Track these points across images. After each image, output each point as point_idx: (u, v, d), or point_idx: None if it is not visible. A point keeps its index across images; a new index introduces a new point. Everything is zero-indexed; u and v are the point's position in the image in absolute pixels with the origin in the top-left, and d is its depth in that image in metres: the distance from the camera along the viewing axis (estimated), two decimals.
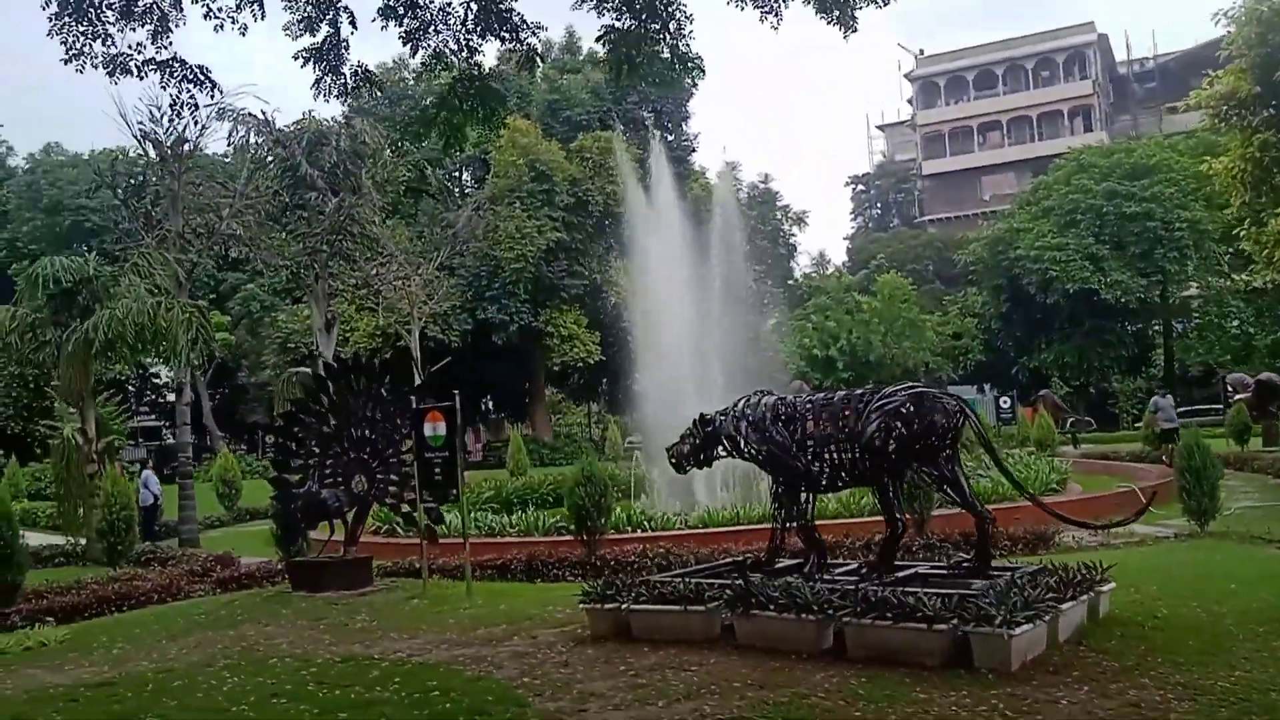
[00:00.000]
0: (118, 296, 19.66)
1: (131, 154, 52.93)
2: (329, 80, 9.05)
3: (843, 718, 5.63)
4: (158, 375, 59.58)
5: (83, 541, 19.84)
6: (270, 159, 25.61)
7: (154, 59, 7.73)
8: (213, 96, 8.42)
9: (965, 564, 7.71)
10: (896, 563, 8.13)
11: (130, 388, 52.12)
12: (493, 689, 6.79)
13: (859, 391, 7.80)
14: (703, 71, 10.66)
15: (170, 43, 7.72)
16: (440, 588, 12.36)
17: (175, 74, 7.80)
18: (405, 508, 13.29)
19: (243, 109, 24.81)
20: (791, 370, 48.58)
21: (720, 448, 8.34)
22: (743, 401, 8.22)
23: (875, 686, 6.09)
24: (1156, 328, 51.60)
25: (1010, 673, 6.17)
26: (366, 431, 13.43)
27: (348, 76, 9.10)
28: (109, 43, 7.49)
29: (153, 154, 22.01)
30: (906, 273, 55.13)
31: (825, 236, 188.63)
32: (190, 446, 22.43)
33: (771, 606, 7.06)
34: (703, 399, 24.78)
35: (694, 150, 49.54)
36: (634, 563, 13.56)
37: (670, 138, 49.33)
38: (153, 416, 59.08)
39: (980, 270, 52.38)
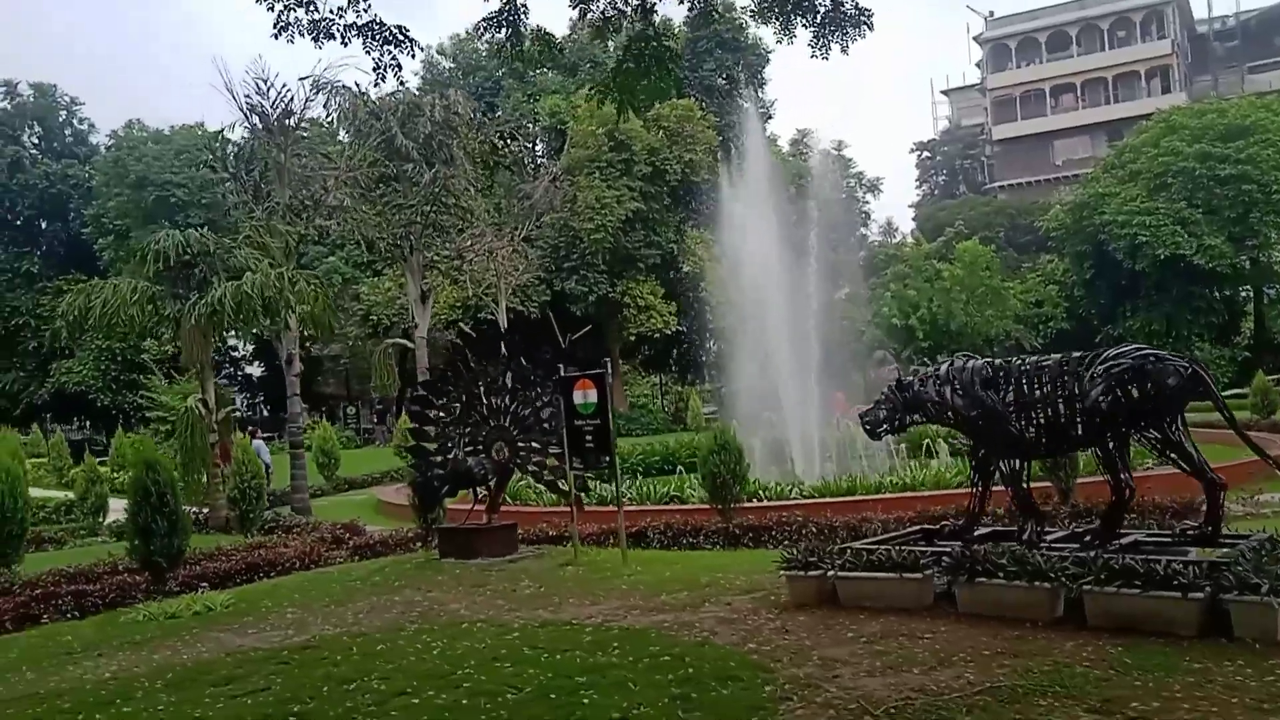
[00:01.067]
0: (234, 268, 19.92)
1: (211, 129, 53.78)
2: (509, 46, 8.95)
3: (1123, 688, 5.48)
4: (235, 348, 60.71)
5: (204, 510, 20.27)
6: (367, 131, 25.65)
7: (355, 23, 7.69)
8: (413, 56, 8.37)
9: (1191, 531, 7.49)
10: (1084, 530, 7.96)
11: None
12: (725, 654, 6.73)
13: (1076, 355, 7.58)
14: (870, 26, 10.28)
15: (369, 6, 7.69)
16: (590, 554, 12.38)
17: (376, 37, 7.76)
18: (548, 475, 13.31)
19: (338, 81, 24.86)
20: (868, 340, 48.12)
21: (918, 413, 8.18)
22: (946, 365, 8.04)
23: (1140, 656, 5.92)
24: (1245, 294, 50.20)
25: (1276, 642, 5.98)
26: (506, 400, 13.47)
27: (528, 40, 8.99)
28: (312, 9, 7.47)
29: (259, 126, 22.17)
30: (978, 240, 54.08)
31: (889, 204, 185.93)
32: (300, 417, 22.72)
33: (1000, 574, 6.91)
34: (791, 369, 24.73)
35: (770, 117, 48.94)
36: (773, 530, 13.51)
37: (746, 105, 48.77)
38: (234, 389, 60.22)
39: (1063, 236, 51.20)
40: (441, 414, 13.99)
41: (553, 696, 6.14)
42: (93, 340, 53.87)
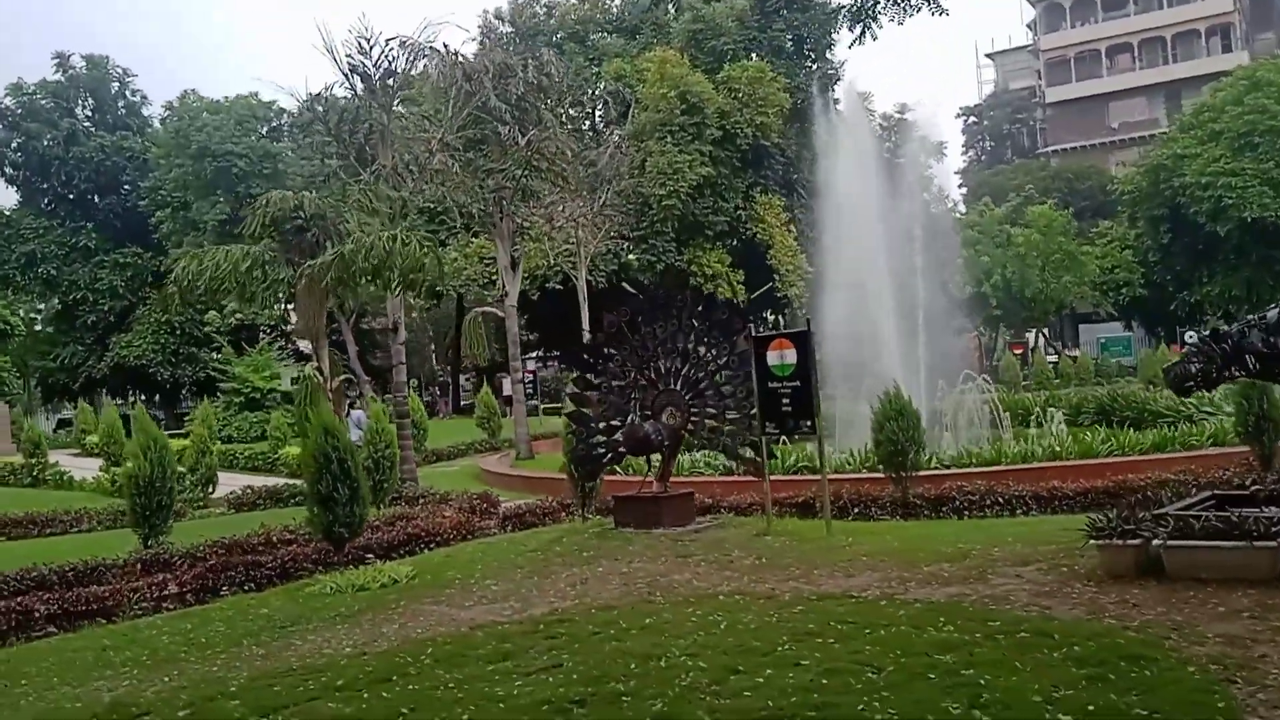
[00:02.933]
0: (344, 233, 19.35)
1: (266, 98, 53.25)
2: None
3: None
4: (288, 321, 60.37)
5: None
6: (459, 93, 24.92)
7: None
8: None
9: None
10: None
11: (263, 333, 52.85)
12: (1089, 630, 6.07)
13: None
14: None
15: None
16: (782, 524, 11.77)
17: None
18: (726, 440, 12.69)
19: (428, 43, 24.13)
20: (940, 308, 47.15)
21: (1238, 367, 7.46)
22: (1275, 310, 7.32)
23: None
24: None
25: None
26: (678, 363, 12.84)
27: None
28: None
29: (360, 88, 21.49)
30: (1052, 204, 52.85)
31: (935, 171, 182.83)
32: (404, 386, 22.21)
33: None
34: (896, 337, 23.98)
35: (839, 79, 47.79)
36: (956, 499, 12.87)
37: (814, 66, 47.66)
38: (286, 362, 59.96)
39: (1136, 199, 49.95)
40: (604, 379, 13.39)
41: (932, 676, 5.51)
42: (150, 313, 53.87)
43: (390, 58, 21.47)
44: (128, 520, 13.96)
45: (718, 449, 12.98)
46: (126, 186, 56.14)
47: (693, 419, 12.77)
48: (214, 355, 52.80)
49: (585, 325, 34.79)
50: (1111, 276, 50.01)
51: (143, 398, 60.41)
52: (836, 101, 48.61)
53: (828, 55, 47.79)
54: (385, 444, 16.77)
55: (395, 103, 21.81)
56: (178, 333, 53.01)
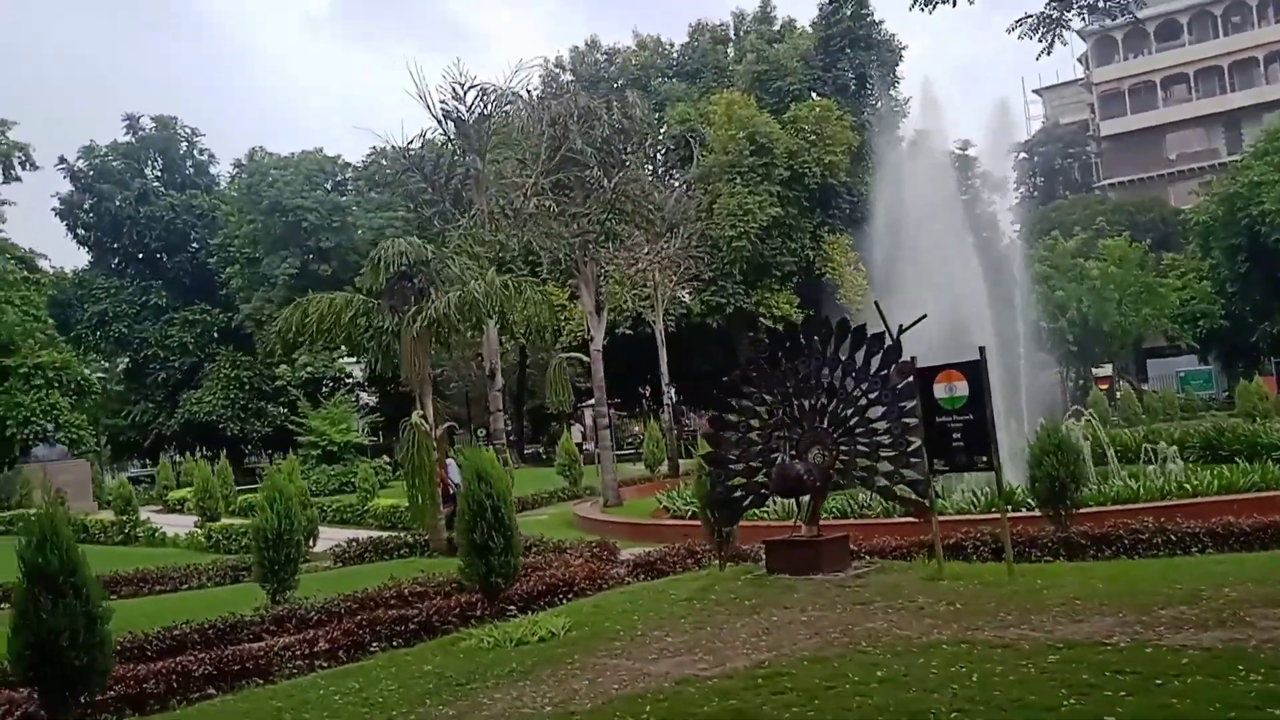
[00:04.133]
0: (447, 279, 19.14)
1: (330, 153, 53.96)
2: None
3: None
4: (350, 374, 60.60)
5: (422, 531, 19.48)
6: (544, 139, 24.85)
7: None
8: None
9: None
10: None
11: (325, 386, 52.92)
12: None
13: None
14: None
15: None
16: (953, 567, 11.13)
17: None
18: (880, 481, 12.09)
19: (516, 89, 24.13)
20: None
21: None
22: None
23: None
24: None
25: None
26: (823, 399, 12.31)
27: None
28: None
29: (454, 133, 21.47)
30: (1128, 238, 51.82)
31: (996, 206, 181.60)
32: (502, 433, 21.85)
33: None
34: (996, 374, 23.26)
35: (905, 115, 47.46)
36: (1124, 539, 12.15)
37: (879, 104, 47.36)
38: (354, 411, 60.05)
39: (1210, 229, 48.81)
40: (742, 418, 12.89)
41: None
42: (219, 369, 54.34)
43: (484, 103, 21.43)
44: (254, 575, 13.63)
45: (871, 489, 12.36)
46: (195, 244, 56.98)
47: (842, 458, 12.21)
48: (281, 409, 53.18)
49: (664, 369, 34.46)
50: (1189, 308, 48.78)
51: (208, 453, 60.87)
52: (903, 139, 48.38)
53: (892, 93, 47.52)
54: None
55: (489, 147, 21.66)
56: (246, 388, 53.40)
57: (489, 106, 21.52)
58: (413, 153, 23.34)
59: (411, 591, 13.05)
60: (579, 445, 35.21)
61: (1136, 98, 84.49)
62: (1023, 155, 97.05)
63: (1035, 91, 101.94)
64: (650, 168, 36.04)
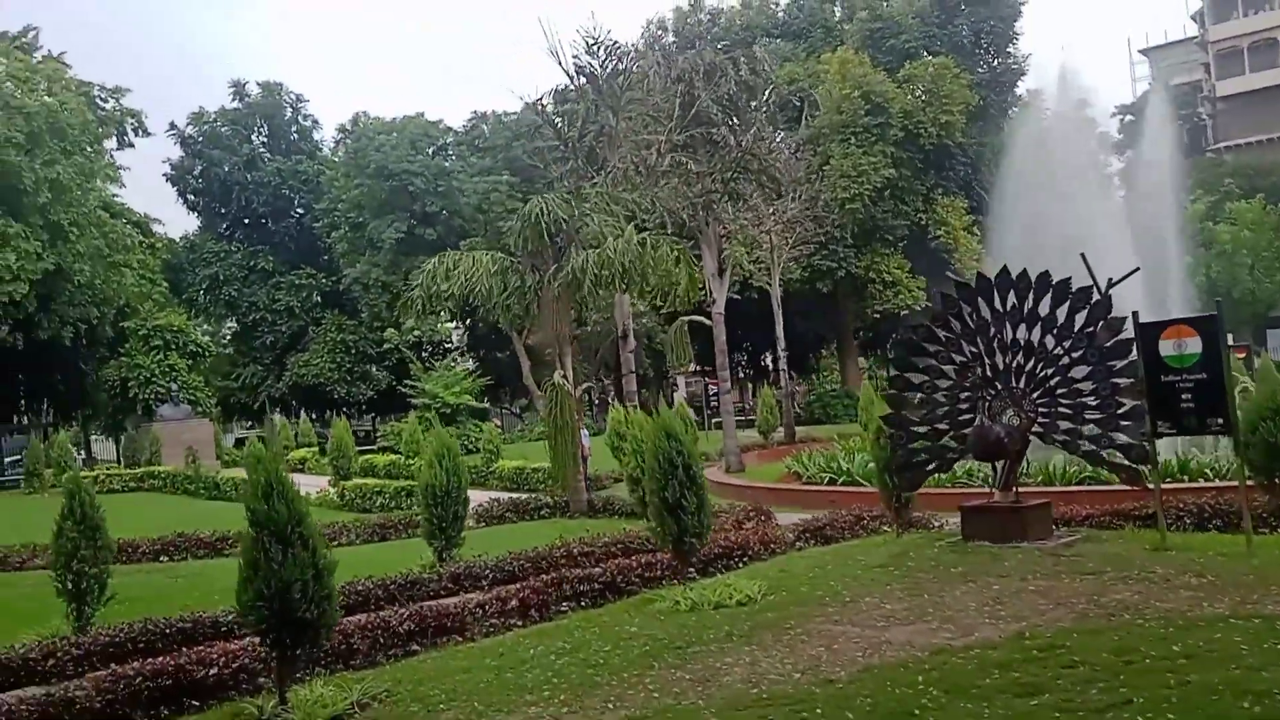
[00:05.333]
0: (584, 237, 18.77)
1: (432, 118, 54.07)
2: None
3: None
4: (449, 339, 61.05)
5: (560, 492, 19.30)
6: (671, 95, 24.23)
7: None
8: None
9: None
10: None
11: (425, 350, 53.16)
12: None
13: None
14: None
15: None
16: (1178, 539, 10.44)
17: None
18: (1085, 445, 11.39)
19: (630, 44, 23.52)
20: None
21: None
22: None
23: None
24: None
25: None
26: (1020, 358, 11.62)
27: None
28: None
29: (587, 89, 21.02)
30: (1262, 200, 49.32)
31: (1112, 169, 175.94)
32: (634, 395, 21.51)
33: None
34: None
35: (1023, 74, 45.70)
36: None
37: (995, 62, 45.65)
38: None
39: None
40: (927, 379, 12.27)
41: None
42: (325, 333, 55.17)
43: (617, 58, 20.92)
44: (422, 531, 13.48)
45: (1074, 453, 11.65)
46: (300, 209, 57.79)
47: (1041, 420, 11.53)
48: (385, 373, 53.83)
49: (779, 334, 33.81)
50: None
51: (313, 415, 62.07)
52: (1020, 98, 46.63)
53: (1009, 50, 45.71)
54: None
55: (622, 104, 21.17)
56: (352, 351, 54.14)
57: (622, 62, 20.99)
58: (544, 108, 22.96)
59: (580, 551, 12.84)
60: None
61: (1256, 55, 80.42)
62: (1129, 117, 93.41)
63: (1141, 52, 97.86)
64: (772, 127, 35.06)
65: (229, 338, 61.64)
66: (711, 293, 26.95)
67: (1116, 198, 31.32)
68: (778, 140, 27.37)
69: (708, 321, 26.90)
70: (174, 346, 43.92)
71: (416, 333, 46.86)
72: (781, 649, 7.88)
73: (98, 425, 52.38)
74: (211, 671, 8.07)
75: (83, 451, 51.11)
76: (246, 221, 58.57)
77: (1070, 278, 11.43)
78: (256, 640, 8.83)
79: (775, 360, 37.33)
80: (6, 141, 35.02)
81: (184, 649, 9.26)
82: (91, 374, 45.54)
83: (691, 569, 11.41)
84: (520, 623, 10.01)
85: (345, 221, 52.05)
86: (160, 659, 8.08)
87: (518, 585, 10.64)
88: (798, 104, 41.23)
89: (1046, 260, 11.95)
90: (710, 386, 44.50)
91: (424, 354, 52.45)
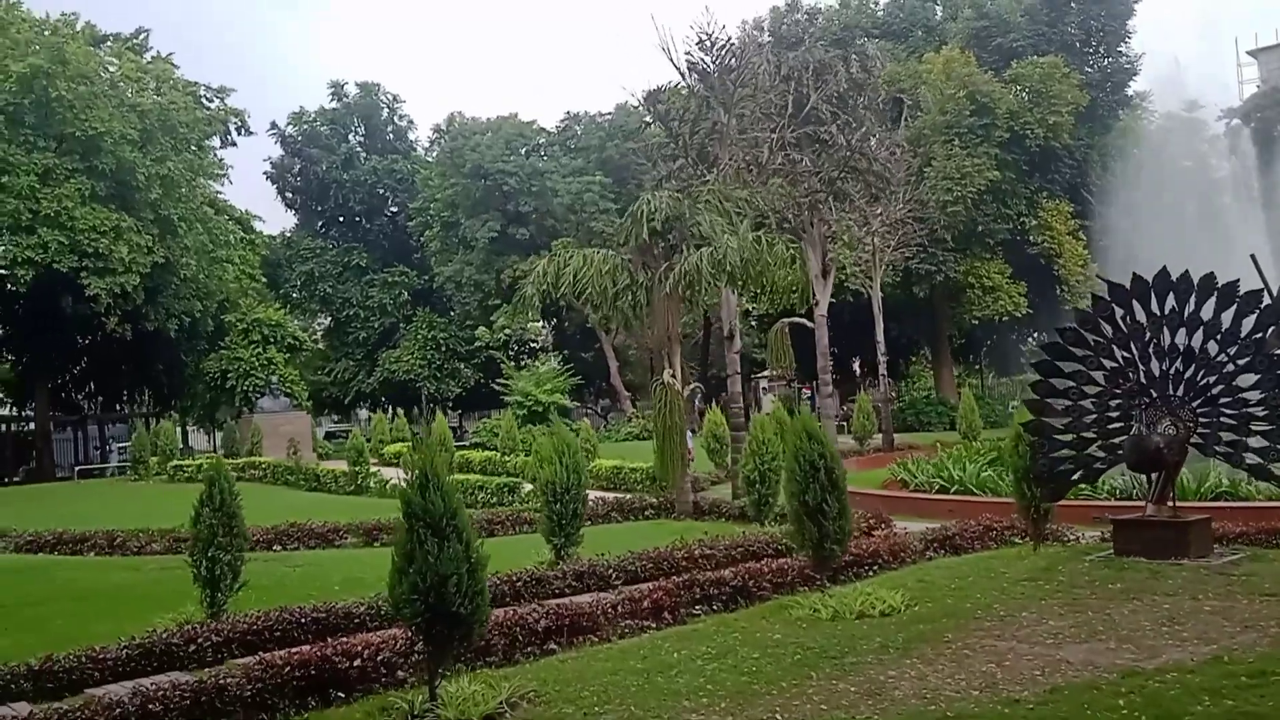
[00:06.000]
0: (700, 234, 18.46)
1: (524, 118, 54.37)
2: None
3: None
4: (536, 338, 61.35)
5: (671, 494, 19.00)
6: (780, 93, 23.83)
7: None
8: None
9: None
10: None
11: (511, 349, 53.37)
12: None
13: None
14: None
15: None
16: None
17: None
18: (1250, 459, 10.73)
19: (746, 41, 23.13)
20: None
21: None
22: None
23: None
24: None
25: None
26: (1179, 365, 11.01)
27: None
28: None
29: (697, 85, 20.74)
30: None
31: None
32: (740, 397, 21.15)
33: None
34: None
35: (1135, 74, 44.18)
36: None
37: (1106, 61, 44.23)
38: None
39: None
40: (1073, 384, 11.71)
41: None
42: (416, 330, 55.88)
43: (728, 54, 20.61)
44: (540, 528, 13.31)
45: (1238, 466, 11.00)
46: (394, 208, 58.64)
47: (1202, 431, 10.91)
48: (474, 370, 54.35)
49: (880, 339, 33.13)
50: None
51: (400, 412, 62.95)
52: (1130, 99, 45.14)
53: (1120, 49, 44.21)
54: (770, 455, 15.64)
55: (734, 100, 20.84)
56: (442, 349, 54.74)
57: (733, 58, 20.66)
58: (655, 105, 22.74)
59: (701, 554, 12.51)
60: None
61: None
62: (1235, 121, 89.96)
63: (1249, 53, 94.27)
64: (881, 125, 34.42)
65: (321, 333, 62.78)
66: (815, 294, 26.48)
67: (1227, 202, 30.11)
68: (887, 138, 26.62)
69: (808, 324, 26.44)
70: (272, 340, 44.81)
71: (507, 331, 47.17)
72: (947, 663, 7.49)
73: (194, 416, 53.76)
74: (354, 664, 7.94)
75: (180, 441, 52.48)
76: (341, 219, 59.61)
77: (1238, 280, 10.80)
78: (396, 633, 8.77)
79: (873, 365, 36.61)
80: (122, 138, 36.07)
81: (327, 639, 9.21)
82: (191, 366, 46.73)
83: (819, 576, 11.06)
84: (654, 625, 9.72)
85: (438, 220, 52.62)
86: (306, 649, 7.98)
87: (649, 586, 10.35)
88: (898, 105, 40.46)
89: (1155, 266, 11.30)
90: (803, 390, 43.90)
91: (511, 353, 52.86)
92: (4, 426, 53.59)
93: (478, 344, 49.72)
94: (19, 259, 34.08)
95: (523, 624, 9.01)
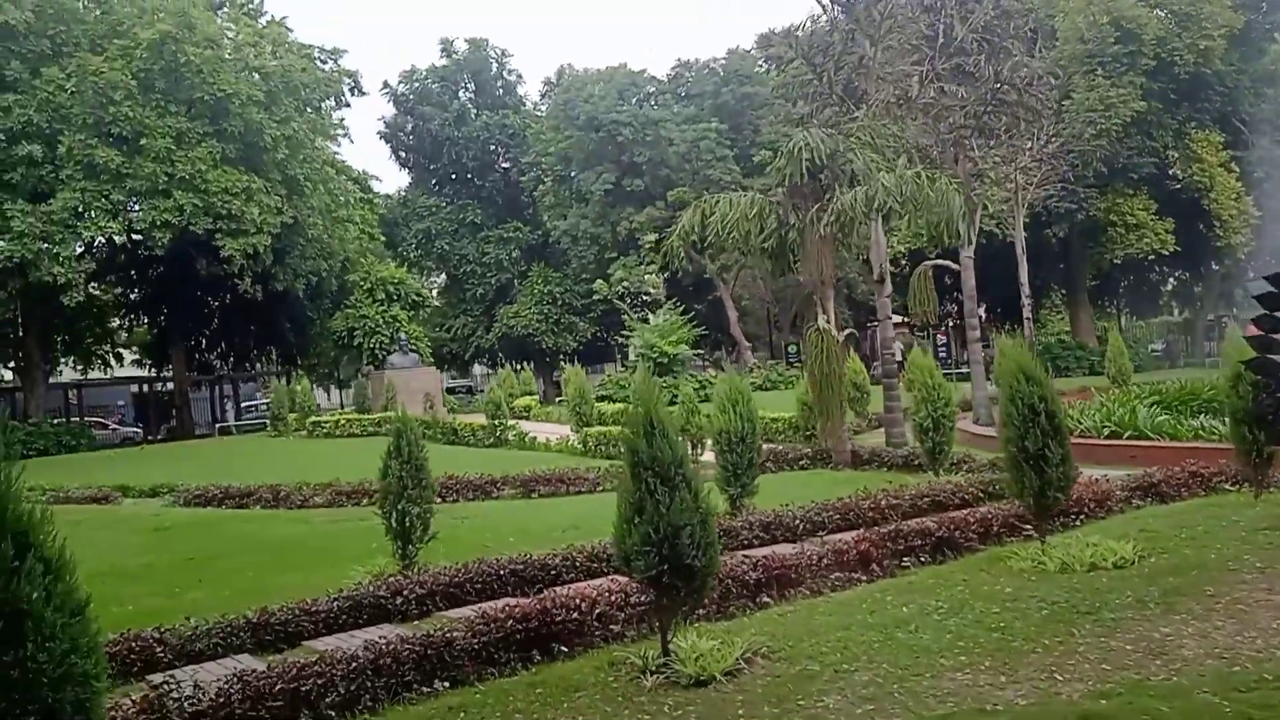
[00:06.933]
0: (853, 172, 17.65)
1: (634, 68, 53.53)
2: None
3: None
4: (653, 289, 60.84)
5: (826, 443, 18.42)
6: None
7: None
8: None
9: None
10: None
11: (625, 300, 53.03)
12: None
13: None
14: None
15: None
16: None
17: None
18: None
19: None
20: None
21: None
22: None
23: None
24: None
25: None
26: None
27: None
28: None
29: (838, 18, 19.80)
30: None
31: None
32: (893, 343, 20.35)
33: None
34: None
35: None
36: None
37: None
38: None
39: None
40: None
41: None
42: (534, 285, 56.05)
43: None
44: (716, 477, 12.89)
45: None
46: (506, 164, 58.64)
47: None
48: (590, 324, 54.37)
49: (1024, 282, 31.75)
50: None
51: (518, 366, 63.48)
52: None
53: None
54: (943, 401, 14.94)
55: (882, 33, 19.82)
56: (559, 303, 54.82)
57: None
58: (804, 34, 21.80)
59: (888, 504, 11.96)
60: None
61: None
62: None
63: None
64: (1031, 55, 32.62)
65: (437, 290, 63.53)
66: (960, 235, 25.33)
67: None
68: (1037, 69, 25.15)
69: (953, 266, 25.35)
70: (395, 298, 45.41)
71: (625, 283, 46.87)
72: (1223, 619, 6.84)
73: (318, 374, 55.09)
74: (573, 616, 7.66)
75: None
76: (454, 177, 59.89)
77: None
78: (604, 584, 8.49)
79: (1009, 310, 35.12)
80: (249, 100, 36.61)
81: (525, 591, 9.04)
82: (317, 324, 47.74)
83: (1028, 526, 10.41)
84: (863, 577, 9.24)
85: (551, 174, 52.41)
86: (525, 602, 7.72)
87: (852, 536, 9.85)
88: (1031, 34, 38.39)
89: None
90: (939, 337, 42.61)
91: (627, 304, 52.49)
92: (145, 387, 55.83)
93: (594, 298, 49.53)
94: (157, 222, 35.00)
95: (734, 575, 8.62)
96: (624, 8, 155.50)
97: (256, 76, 39.00)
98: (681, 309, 50.94)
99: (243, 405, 57.25)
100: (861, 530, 10.26)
